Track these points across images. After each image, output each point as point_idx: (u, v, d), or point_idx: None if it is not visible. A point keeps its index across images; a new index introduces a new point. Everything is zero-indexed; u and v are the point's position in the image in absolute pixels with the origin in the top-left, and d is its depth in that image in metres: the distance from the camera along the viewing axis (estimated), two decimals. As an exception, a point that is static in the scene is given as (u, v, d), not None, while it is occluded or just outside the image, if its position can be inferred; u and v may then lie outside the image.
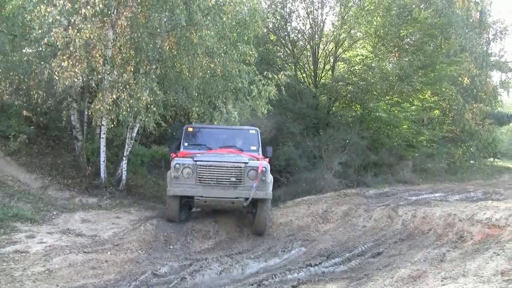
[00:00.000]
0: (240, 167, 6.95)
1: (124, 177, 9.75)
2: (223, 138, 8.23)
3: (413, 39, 16.40)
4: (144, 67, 8.79)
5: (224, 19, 9.20)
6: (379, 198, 10.45)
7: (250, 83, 10.00)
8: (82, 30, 7.41)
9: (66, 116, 9.82)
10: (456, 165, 18.67)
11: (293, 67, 16.92)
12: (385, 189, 12.09)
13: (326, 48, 17.11)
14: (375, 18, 15.84)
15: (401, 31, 15.57)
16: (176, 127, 12.41)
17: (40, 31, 7.56)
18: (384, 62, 15.89)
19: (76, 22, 7.43)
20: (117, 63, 8.25)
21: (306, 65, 17.48)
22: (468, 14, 19.41)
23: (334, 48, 16.73)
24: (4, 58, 9.00)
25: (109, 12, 8.21)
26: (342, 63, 17.34)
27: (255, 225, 7.38)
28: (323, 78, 17.17)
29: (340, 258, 5.86)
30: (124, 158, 9.77)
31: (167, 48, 8.58)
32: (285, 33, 17.09)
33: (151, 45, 8.47)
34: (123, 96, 8.10)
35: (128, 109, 8.21)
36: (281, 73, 10.83)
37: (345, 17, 16.01)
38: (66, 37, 7.45)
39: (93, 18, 7.65)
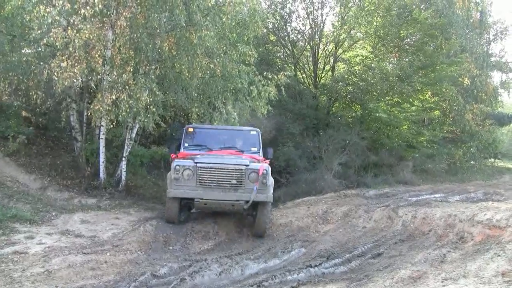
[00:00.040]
0: (241, 169, 6.90)
1: (123, 177, 9.73)
2: (223, 139, 8.18)
3: (413, 39, 16.40)
4: (144, 68, 8.77)
5: (224, 19, 9.19)
6: (379, 199, 10.42)
7: (249, 83, 9.99)
8: (82, 31, 7.41)
9: (65, 117, 9.79)
10: (456, 165, 18.64)
11: (293, 67, 16.90)
12: (385, 190, 12.04)
13: (326, 48, 17.09)
14: (375, 18, 15.83)
15: (401, 32, 15.56)
16: (175, 127, 12.38)
17: (39, 31, 7.56)
18: (384, 63, 15.85)
19: (76, 23, 7.43)
20: (116, 63, 8.24)
21: (306, 65, 17.44)
22: (469, 14, 19.36)
23: (334, 48, 16.71)
24: (3, 58, 8.99)
25: (109, 13, 8.20)
26: (342, 63, 17.31)
27: (255, 228, 7.35)
28: (323, 78, 17.14)
29: (340, 259, 5.84)
30: (123, 158, 9.76)
31: (166, 49, 8.56)
32: (285, 34, 17.07)
33: (150, 46, 8.46)
34: (122, 97, 8.08)
35: (128, 110, 8.19)
36: (281, 73, 10.83)
37: (345, 17, 15.99)
38: (66, 38, 7.43)
39: (92, 19, 7.64)
